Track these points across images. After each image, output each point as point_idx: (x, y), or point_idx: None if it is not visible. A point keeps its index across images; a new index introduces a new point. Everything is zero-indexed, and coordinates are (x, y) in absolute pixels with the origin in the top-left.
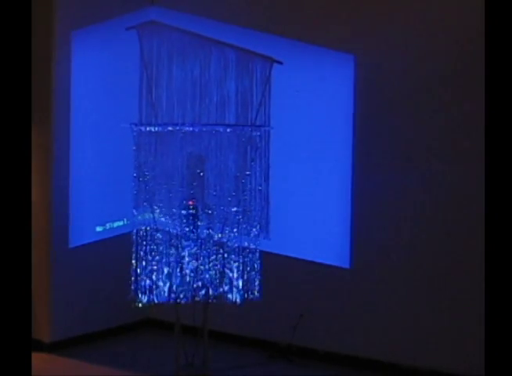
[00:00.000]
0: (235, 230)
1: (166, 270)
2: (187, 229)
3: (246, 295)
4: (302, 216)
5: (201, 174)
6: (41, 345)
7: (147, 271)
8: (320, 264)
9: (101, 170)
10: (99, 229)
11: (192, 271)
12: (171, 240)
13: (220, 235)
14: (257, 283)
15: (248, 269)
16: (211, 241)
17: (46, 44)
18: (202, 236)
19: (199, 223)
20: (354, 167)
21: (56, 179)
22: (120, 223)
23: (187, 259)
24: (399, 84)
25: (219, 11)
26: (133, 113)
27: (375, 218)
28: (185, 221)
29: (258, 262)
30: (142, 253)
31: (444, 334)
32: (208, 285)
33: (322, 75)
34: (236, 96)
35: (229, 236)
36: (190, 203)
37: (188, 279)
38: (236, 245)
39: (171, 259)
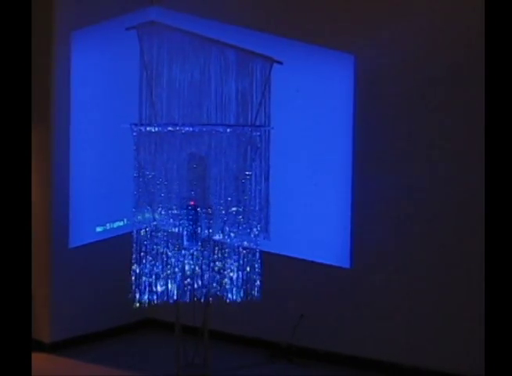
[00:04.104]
0: (235, 230)
1: (166, 270)
2: (187, 229)
3: (246, 295)
4: (302, 216)
5: (201, 174)
6: (42, 346)
7: (147, 271)
8: (320, 264)
9: (101, 170)
10: (99, 229)
11: (192, 271)
12: (171, 240)
13: (220, 235)
14: (257, 283)
15: (248, 269)
16: (211, 241)
17: (46, 44)
18: (202, 236)
19: (199, 223)
20: (354, 167)
21: (56, 179)
22: (121, 223)
23: (187, 259)
24: (399, 84)
25: (219, 11)
26: (133, 113)
27: (375, 219)
28: (185, 221)
29: (258, 262)
30: (142, 253)
31: (444, 334)
32: (208, 285)
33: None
34: (236, 96)
35: (229, 236)
36: (191, 203)
37: (188, 279)
38: (236, 245)
39: (171, 259)
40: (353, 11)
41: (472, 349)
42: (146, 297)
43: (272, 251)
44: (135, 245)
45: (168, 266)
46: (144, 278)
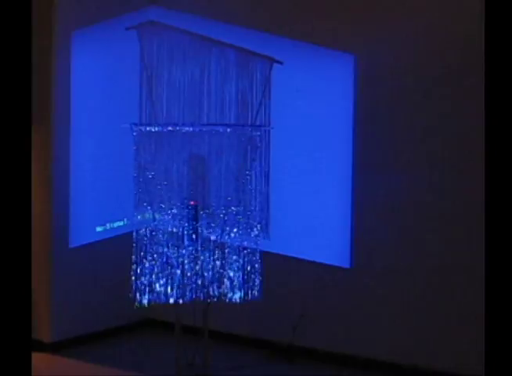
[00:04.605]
0: (235, 230)
1: (166, 270)
2: (187, 229)
3: (246, 295)
4: (302, 216)
5: (201, 174)
6: (42, 345)
7: (147, 271)
8: (320, 264)
9: (101, 170)
10: (99, 229)
11: (192, 271)
12: (171, 240)
13: (220, 235)
14: (257, 283)
15: (248, 269)
16: (211, 241)
17: (46, 44)
18: (202, 236)
19: (199, 223)
20: (354, 166)
21: (56, 179)
22: (121, 223)
23: (187, 259)
24: (399, 84)
25: (219, 11)
26: (133, 113)
27: (375, 218)
28: (185, 221)
29: (258, 262)
30: (142, 253)
31: (444, 334)
32: (208, 285)
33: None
34: (236, 96)
35: (229, 236)
36: (192, 203)
37: (188, 279)
38: (236, 245)
39: (171, 259)
40: (353, 11)
41: (472, 349)
42: (146, 297)
43: (272, 251)
44: (135, 245)
45: (168, 266)
46: (144, 278)
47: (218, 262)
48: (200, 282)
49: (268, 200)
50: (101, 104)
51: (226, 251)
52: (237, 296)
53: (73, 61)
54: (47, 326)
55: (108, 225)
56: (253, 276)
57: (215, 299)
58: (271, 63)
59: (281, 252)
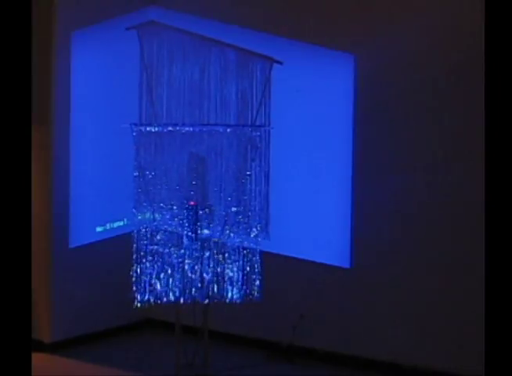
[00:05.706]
0: (235, 230)
1: (166, 270)
2: (187, 229)
3: (246, 295)
4: (302, 216)
5: (201, 174)
6: (42, 346)
7: (147, 271)
8: (320, 264)
9: (101, 170)
10: (99, 229)
11: (192, 271)
12: (171, 240)
13: (220, 235)
14: (257, 283)
15: (248, 269)
16: (211, 241)
17: (46, 44)
18: (202, 236)
19: (199, 223)
20: (354, 167)
21: (56, 179)
22: (121, 223)
23: (187, 259)
24: (399, 85)
25: (219, 11)
26: (133, 113)
27: (375, 218)
28: (185, 221)
29: (258, 262)
30: (142, 253)
31: (444, 334)
32: (208, 285)
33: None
34: (236, 96)
35: (229, 236)
36: (191, 203)
37: (188, 279)
38: (236, 245)
39: (171, 259)
40: (353, 11)
41: (472, 349)
42: (146, 297)
43: (272, 251)
44: (135, 245)
45: (168, 266)
46: (144, 278)
47: (217, 262)
48: (199, 282)
49: (268, 200)
50: (101, 104)
51: (226, 251)
52: (237, 296)
53: (73, 61)
54: (47, 326)
55: (108, 225)
56: (253, 276)
57: (215, 299)
58: (271, 63)
59: (281, 252)
